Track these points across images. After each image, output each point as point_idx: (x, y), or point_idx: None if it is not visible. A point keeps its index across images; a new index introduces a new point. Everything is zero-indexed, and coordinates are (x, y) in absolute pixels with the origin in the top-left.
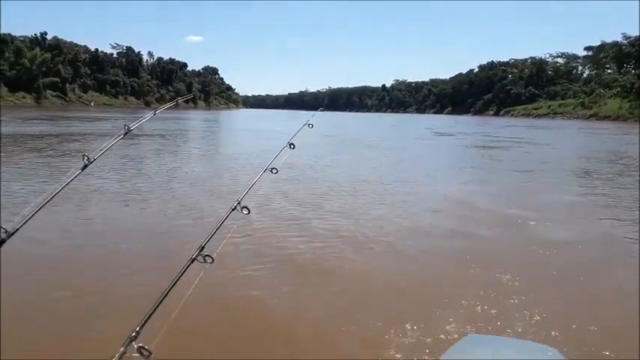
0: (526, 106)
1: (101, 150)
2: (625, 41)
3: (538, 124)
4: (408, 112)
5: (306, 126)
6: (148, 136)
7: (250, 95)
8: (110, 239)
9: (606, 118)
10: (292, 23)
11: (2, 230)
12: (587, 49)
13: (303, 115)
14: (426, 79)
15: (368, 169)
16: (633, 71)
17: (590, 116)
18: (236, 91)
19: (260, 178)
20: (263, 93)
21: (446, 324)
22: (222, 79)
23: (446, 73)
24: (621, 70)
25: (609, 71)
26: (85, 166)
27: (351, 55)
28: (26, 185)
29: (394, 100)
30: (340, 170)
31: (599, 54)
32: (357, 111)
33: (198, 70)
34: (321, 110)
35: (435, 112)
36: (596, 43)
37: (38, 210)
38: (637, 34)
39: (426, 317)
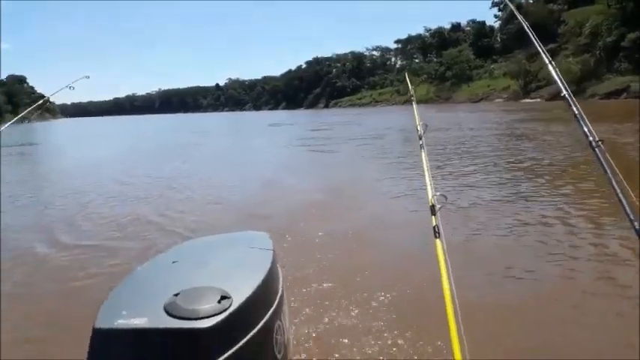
0: (351, 97)
1: None
2: (427, 34)
3: (362, 112)
4: (245, 109)
5: None
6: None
7: (70, 103)
8: None
9: (418, 102)
10: (115, 23)
11: None
12: (397, 42)
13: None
14: (259, 76)
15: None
16: (435, 59)
17: (405, 102)
18: (51, 99)
19: None
20: (84, 100)
21: None
22: (32, 87)
23: (277, 70)
24: (426, 59)
25: (417, 60)
26: None
27: (181, 55)
28: None
29: (230, 99)
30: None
31: (407, 46)
32: (192, 112)
33: (1, 80)
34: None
35: (270, 109)
36: (404, 36)
37: None
38: (436, 27)
39: None
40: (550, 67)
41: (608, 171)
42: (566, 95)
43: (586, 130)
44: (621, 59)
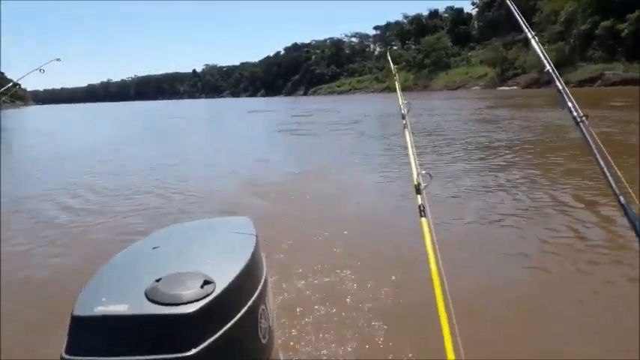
0: (330, 84)
1: None
2: (405, 20)
3: (341, 99)
4: (223, 96)
5: None
6: None
7: (42, 90)
8: None
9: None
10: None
11: None
12: (375, 28)
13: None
14: (237, 62)
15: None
16: (413, 47)
17: (384, 89)
18: (22, 85)
19: None
20: (57, 86)
21: None
22: (2, 73)
23: (255, 56)
24: (404, 47)
25: (395, 47)
26: None
27: (157, 40)
28: None
29: (207, 86)
30: None
31: (386, 32)
32: (169, 98)
33: None
34: None
35: (249, 96)
36: (383, 22)
37: None
38: (414, 14)
39: None
40: (533, 42)
41: (593, 146)
42: (550, 70)
43: (570, 105)
44: (595, 47)
